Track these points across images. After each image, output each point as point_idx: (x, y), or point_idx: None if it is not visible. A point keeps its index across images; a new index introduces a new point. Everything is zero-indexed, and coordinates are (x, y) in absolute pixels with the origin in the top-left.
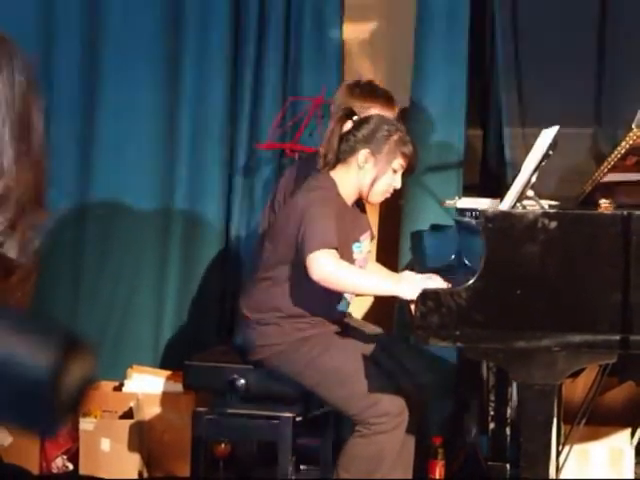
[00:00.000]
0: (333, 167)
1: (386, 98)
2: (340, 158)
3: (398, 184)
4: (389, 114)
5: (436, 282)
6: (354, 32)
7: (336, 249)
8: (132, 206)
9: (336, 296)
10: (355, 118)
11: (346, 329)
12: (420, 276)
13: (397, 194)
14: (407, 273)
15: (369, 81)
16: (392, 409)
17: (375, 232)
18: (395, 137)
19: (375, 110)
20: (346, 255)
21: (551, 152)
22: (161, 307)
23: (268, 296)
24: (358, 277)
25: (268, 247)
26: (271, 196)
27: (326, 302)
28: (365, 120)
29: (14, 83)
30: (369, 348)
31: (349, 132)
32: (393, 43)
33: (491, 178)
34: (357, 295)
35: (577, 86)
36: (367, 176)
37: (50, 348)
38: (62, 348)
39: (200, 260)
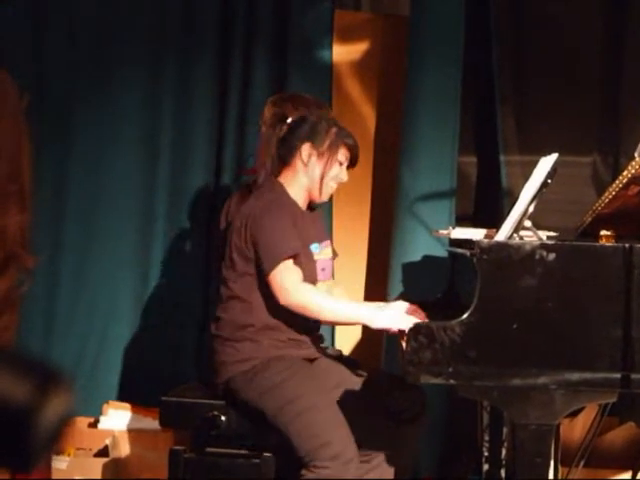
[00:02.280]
0: (278, 174)
1: (320, 106)
2: (283, 162)
3: (344, 177)
4: None
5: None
6: (344, 54)
7: (295, 257)
8: (110, 233)
9: None
10: (289, 121)
11: (322, 359)
12: (404, 308)
13: (388, 223)
14: (398, 303)
15: (293, 94)
16: (342, 453)
17: (364, 261)
18: (334, 129)
19: None
20: (306, 258)
21: (550, 181)
22: (139, 340)
23: (235, 313)
24: (327, 306)
25: (224, 264)
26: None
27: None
28: (300, 119)
29: (8, 124)
30: (338, 378)
31: (287, 133)
32: (384, 65)
33: (486, 207)
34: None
35: (577, 112)
36: (315, 172)
37: (28, 383)
38: (40, 383)
39: (181, 292)
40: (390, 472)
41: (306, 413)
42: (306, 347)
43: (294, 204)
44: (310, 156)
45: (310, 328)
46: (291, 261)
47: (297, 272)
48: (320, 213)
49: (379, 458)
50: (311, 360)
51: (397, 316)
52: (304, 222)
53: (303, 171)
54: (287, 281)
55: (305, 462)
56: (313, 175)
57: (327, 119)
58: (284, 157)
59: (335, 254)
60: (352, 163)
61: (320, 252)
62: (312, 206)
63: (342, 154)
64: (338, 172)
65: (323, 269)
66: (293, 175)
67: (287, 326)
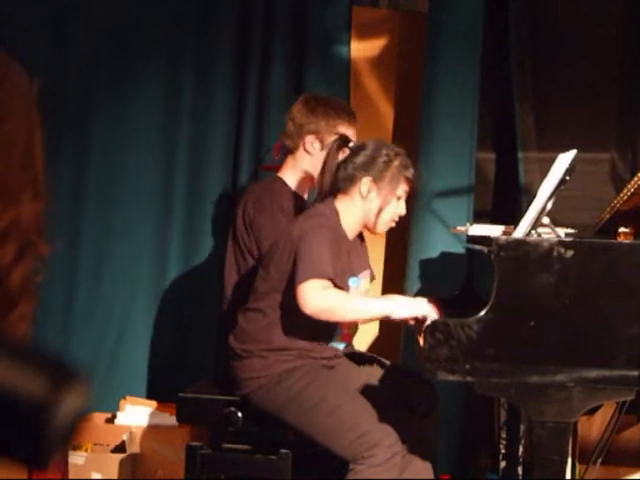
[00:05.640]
0: (334, 197)
1: (349, 114)
2: (340, 188)
3: (403, 211)
4: (352, 131)
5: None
6: (361, 50)
7: (330, 279)
8: (128, 229)
9: (328, 329)
10: (351, 145)
11: (340, 364)
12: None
13: (404, 220)
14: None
15: (328, 97)
16: (383, 438)
17: (382, 258)
18: (396, 162)
19: (341, 128)
20: (341, 288)
21: (568, 177)
22: (157, 336)
23: (256, 327)
24: (349, 303)
25: (261, 275)
26: (232, 224)
27: (317, 334)
28: (362, 147)
29: (18, 112)
30: (358, 381)
31: (347, 160)
32: (401, 61)
33: (504, 204)
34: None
35: (596, 109)
36: (372, 206)
37: (44, 378)
38: (56, 378)
39: (198, 287)
40: (427, 467)
41: (336, 411)
42: (320, 356)
43: (342, 234)
44: (369, 191)
45: (325, 340)
46: (325, 281)
47: (323, 284)
48: (364, 243)
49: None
50: (329, 367)
51: (417, 303)
52: (349, 253)
53: (360, 203)
54: (311, 290)
55: (350, 456)
56: (370, 208)
57: (388, 148)
58: (341, 183)
59: (373, 278)
60: (411, 196)
61: (357, 287)
62: (360, 235)
63: (402, 189)
64: (396, 206)
65: None
66: (350, 203)
67: (301, 343)
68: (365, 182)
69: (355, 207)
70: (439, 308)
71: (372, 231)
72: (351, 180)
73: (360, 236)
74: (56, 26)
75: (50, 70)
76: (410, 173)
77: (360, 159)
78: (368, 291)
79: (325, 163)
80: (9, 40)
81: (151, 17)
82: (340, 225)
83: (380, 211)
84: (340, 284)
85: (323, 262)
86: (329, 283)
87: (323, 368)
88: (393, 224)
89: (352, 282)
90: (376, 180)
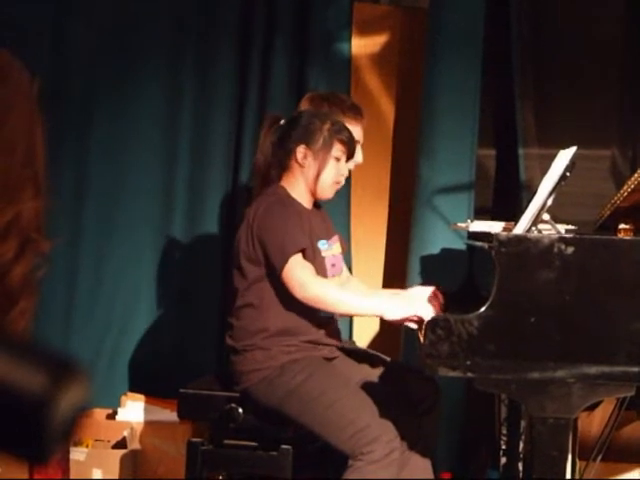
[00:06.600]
0: (279, 179)
1: (355, 110)
2: (281, 167)
3: (345, 171)
4: (359, 127)
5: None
6: (363, 46)
7: (303, 250)
8: (129, 227)
9: None
10: (282, 122)
11: (340, 359)
12: (422, 295)
13: (407, 216)
14: (415, 290)
15: (332, 93)
16: (382, 434)
17: (382, 254)
18: (327, 126)
19: (347, 125)
20: (314, 254)
21: (568, 174)
22: (158, 332)
23: (249, 321)
24: (342, 296)
25: (235, 274)
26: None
27: (310, 308)
28: (293, 120)
29: (20, 110)
30: (358, 377)
31: (280, 138)
32: (403, 58)
33: (504, 200)
34: (341, 315)
35: (596, 106)
36: (311, 172)
37: (44, 374)
38: (56, 374)
39: (200, 284)
40: (427, 464)
41: (336, 404)
42: (322, 348)
43: (297, 203)
44: (305, 157)
45: (325, 326)
46: (300, 255)
47: (309, 266)
48: (325, 211)
49: (410, 452)
50: (329, 359)
51: (411, 305)
52: (310, 220)
53: (300, 172)
54: (301, 275)
55: (349, 450)
56: (309, 175)
57: (319, 115)
58: (282, 161)
59: (344, 249)
60: (349, 157)
61: (329, 249)
62: (317, 204)
63: (337, 149)
64: (336, 170)
65: (333, 265)
66: (293, 178)
67: (302, 329)
68: (300, 150)
69: (297, 178)
70: (443, 298)
71: (317, 197)
72: (289, 154)
73: (317, 206)
74: (56, 26)
75: (51, 69)
76: (344, 135)
77: (294, 133)
78: (341, 254)
79: (259, 145)
80: (10, 39)
81: (151, 17)
82: (291, 197)
83: (318, 175)
84: (312, 250)
85: (292, 237)
86: (309, 265)
87: (323, 361)
88: (338, 186)
89: (321, 244)
90: (309, 146)
